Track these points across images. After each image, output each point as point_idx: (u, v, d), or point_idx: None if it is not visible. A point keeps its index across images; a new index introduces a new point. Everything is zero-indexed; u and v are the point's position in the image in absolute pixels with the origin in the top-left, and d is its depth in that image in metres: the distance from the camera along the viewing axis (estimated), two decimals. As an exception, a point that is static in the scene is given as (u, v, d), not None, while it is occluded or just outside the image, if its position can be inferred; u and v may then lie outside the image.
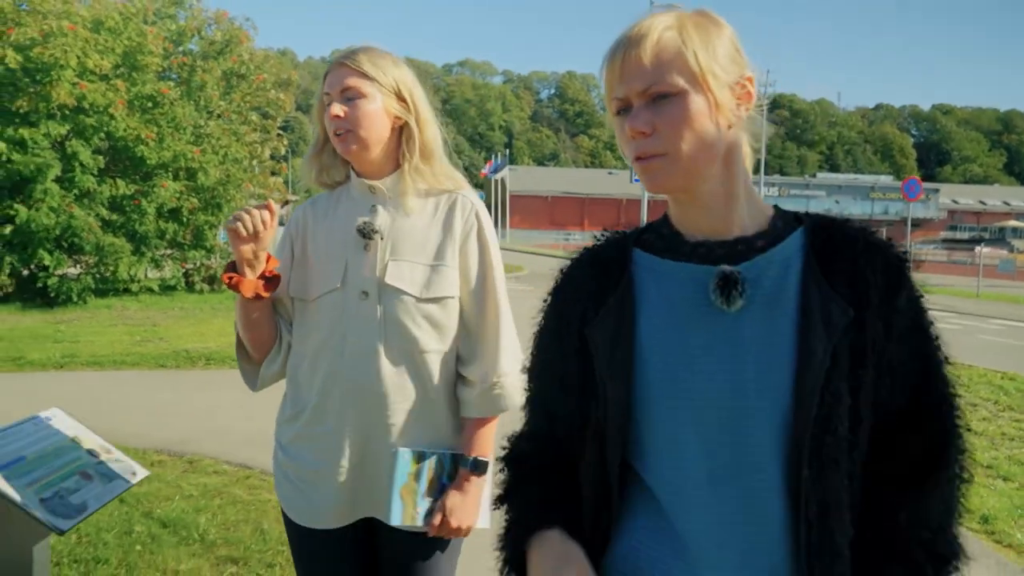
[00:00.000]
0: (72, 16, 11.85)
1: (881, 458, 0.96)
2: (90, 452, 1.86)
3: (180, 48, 14.37)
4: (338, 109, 1.56)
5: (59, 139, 11.67)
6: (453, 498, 1.57)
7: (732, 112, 0.97)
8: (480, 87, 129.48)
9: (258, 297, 1.55)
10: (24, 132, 11.28)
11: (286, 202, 1.26)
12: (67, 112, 11.68)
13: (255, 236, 1.51)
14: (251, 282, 1.54)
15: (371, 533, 1.66)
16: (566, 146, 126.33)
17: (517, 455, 1.11)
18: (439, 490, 1.59)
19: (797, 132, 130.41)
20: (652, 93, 0.94)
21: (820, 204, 74.96)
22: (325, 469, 1.58)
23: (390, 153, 1.62)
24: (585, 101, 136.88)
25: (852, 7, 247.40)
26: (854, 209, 75.07)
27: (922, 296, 0.99)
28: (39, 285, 12.25)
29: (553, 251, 45.53)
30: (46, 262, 11.86)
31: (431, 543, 1.61)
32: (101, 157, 12.17)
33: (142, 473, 1.92)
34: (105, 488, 1.79)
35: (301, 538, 1.65)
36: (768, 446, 0.94)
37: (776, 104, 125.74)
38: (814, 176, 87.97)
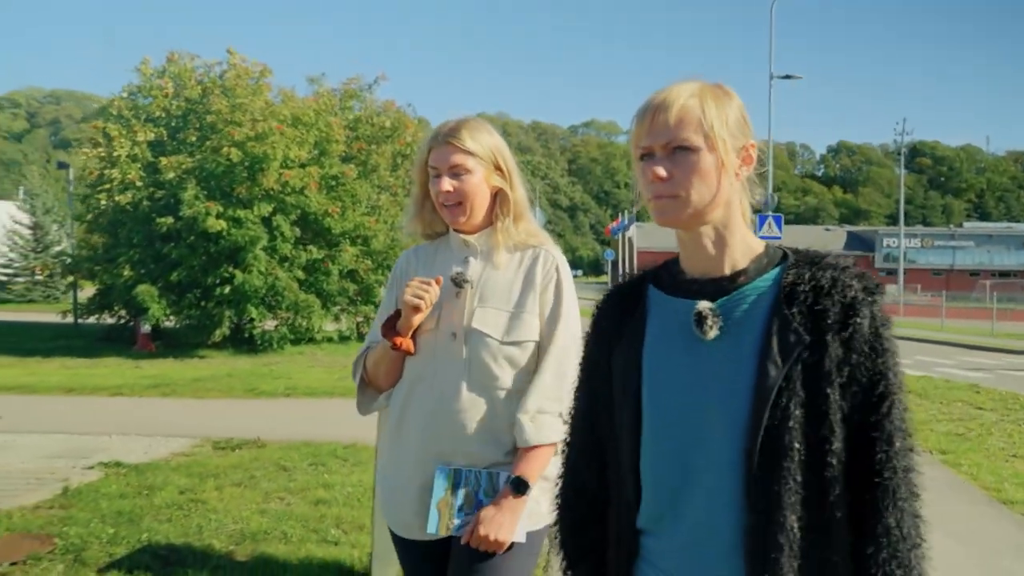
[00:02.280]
0: (277, 115, 14.52)
1: (852, 471, 1.05)
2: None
3: (355, 133, 16.91)
4: (447, 185, 1.75)
5: (266, 215, 14.20)
6: (487, 511, 1.70)
7: (735, 171, 1.13)
8: (605, 146, 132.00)
9: (411, 351, 1.78)
10: (240, 212, 13.89)
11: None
12: (272, 193, 14.25)
13: (427, 307, 1.73)
14: (409, 341, 1.77)
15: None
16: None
17: (563, 488, 1.33)
18: (476, 506, 1.72)
19: (941, 180, 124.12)
20: (673, 146, 1.11)
21: (969, 255, 70.91)
22: (404, 484, 1.79)
23: (486, 213, 1.82)
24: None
25: (998, 47, 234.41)
26: (1008, 260, 70.52)
27: (885, 324, 1.07)
28: (246, 335, 14.81)
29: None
30: (253, 316, 14.37)
31: (497, 559, 1.71)
32: (297, 228, 14.66)
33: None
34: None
35: (399, 543, 1.86)
36: (727, 455, 1.07)
37: (916, 152, 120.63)
38: (960, 226, 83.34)
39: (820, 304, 1.06)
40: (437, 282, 1.75)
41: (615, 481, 1.23)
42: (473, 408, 1.73)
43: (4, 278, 29.64)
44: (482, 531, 1.68)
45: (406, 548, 1.84)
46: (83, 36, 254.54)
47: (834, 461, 1.03)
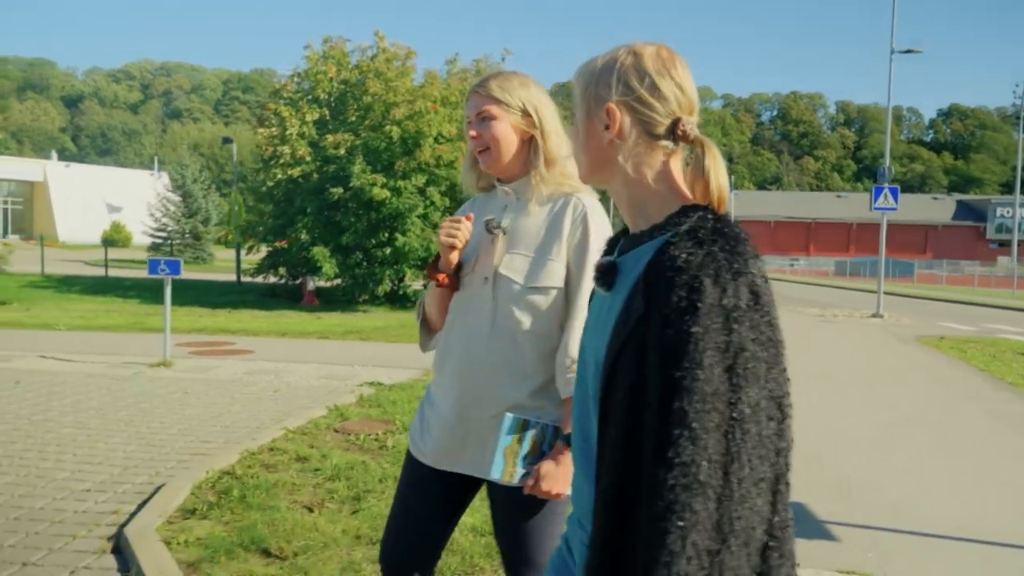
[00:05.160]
0: (427, 96, 16.19)
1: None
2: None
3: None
4: (474, 131, 1.87)
5: (421, 186, 15.98)
6: (547, 465, 1.74)
7: (602, 136, 1.18)
8: (700, 111, 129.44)
9: (454, 288, 1.90)
10: (400, 183, 15.71)
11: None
12: (426, 166, 15.99)
13: (461, 244, 1.85)
14: (453, 279, 1.89)
15: (469, 489, 1.93)
16: (789, 168, 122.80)
17: None
18: (539, 456, 1.76)
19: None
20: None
21: (1095, 224, 67.17)
22: (437, 415, 1.91)
23: (522, 160, 1.88)
24: (810, 121, 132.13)
25: None
26: None
27: (695, 310, 0.98)
28: (400, 293, 16.74)
29: (778, 275, 45.76)
30: (407, 277, 16.25)
31: (539, 502, 1.79)
32: (447, 198, 16.39)
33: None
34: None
35: (409, 462, 1.98)
36: (592, 401, 1.15)
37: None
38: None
39: (661, 273, 1.04)
40: (468, 219, 1.85)
41: None
42: (498, 349, 1.81)
43: (159, 240, 32.95)
44: (544, 486, 1.72)
45: (414, 467, 1.95)
46: (191, 8, 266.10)
47: (649, 434, 1.00)
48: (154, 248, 33.22)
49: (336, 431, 5.55)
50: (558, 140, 1.87)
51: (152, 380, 7.64)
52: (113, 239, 45.55)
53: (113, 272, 24.74)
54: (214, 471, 4.44)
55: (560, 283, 1.80)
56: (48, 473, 4.52)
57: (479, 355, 1.82)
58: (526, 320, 1.79)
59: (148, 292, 19.47)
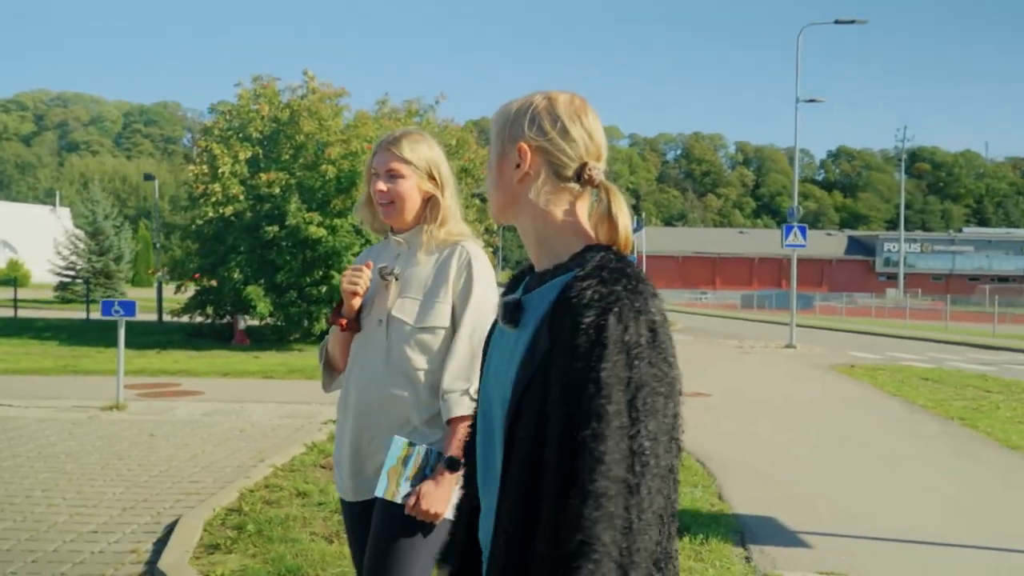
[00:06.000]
0: (362, 136, 16.42)
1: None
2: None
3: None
4: (382, 186, 2.00)
5: (357, 225, 16.09)
6: (428, 486, 1.87)
7: (513, 175, 1.21)
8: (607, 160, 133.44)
9: (355, 331, 2.03)
10: (336, 221, 15.80)
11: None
12: (362, 205, 16.14)
13: (362, 290, 2.00)
14: (354, 322, 2.03)
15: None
16: (693, 205, 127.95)
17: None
18: (421, 477, 1.89)
19: (940, 185, 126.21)
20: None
21: (968, 260, 72.94)
22: (341, 453, 2.05)
23: (417, 214, 2.05)
24: (712, 161, 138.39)
25: (997, 53, 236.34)
26: (1007, 265, 72.48)
27: (601, 346, 1.01)
28: (335, 331, 16.72)
29: (690, 308, 47.72)
30: (343, 314, 16.29)
31: (412, 525, 1.89)
32: (382, 237, 16.54)
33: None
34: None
35: (342, 505, 2.12)
36: (498, 437, 1.16)
37: (915, 157, 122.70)
38: (960, 231, 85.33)
39: (567, 310, 1.06)
40: (367, 267, 2.01)
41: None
42: (392, 385, 1.95)
43: (67, 279, 31.48)
44: (423, 505, 1.86)
45: (344, 509, 2.09)
46: (89, 37, 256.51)
47: (552, 469, 1.02)
48: (62, 287, 31.72)
49: (323, 467, 5.69)
50: (453, 203, 2.07)
51: (112, 423, 7.52)
52: (11, 277, 43.19)
53: (21, 313, 23.55)
54: (221, 508, 4.54)
55: (447, 323, 1.97)
56: (45, 517, 4.51)
57: (375, 391, 1.97)
58: (417, 358, 1.95)
59: (64, 333, 18.73)
